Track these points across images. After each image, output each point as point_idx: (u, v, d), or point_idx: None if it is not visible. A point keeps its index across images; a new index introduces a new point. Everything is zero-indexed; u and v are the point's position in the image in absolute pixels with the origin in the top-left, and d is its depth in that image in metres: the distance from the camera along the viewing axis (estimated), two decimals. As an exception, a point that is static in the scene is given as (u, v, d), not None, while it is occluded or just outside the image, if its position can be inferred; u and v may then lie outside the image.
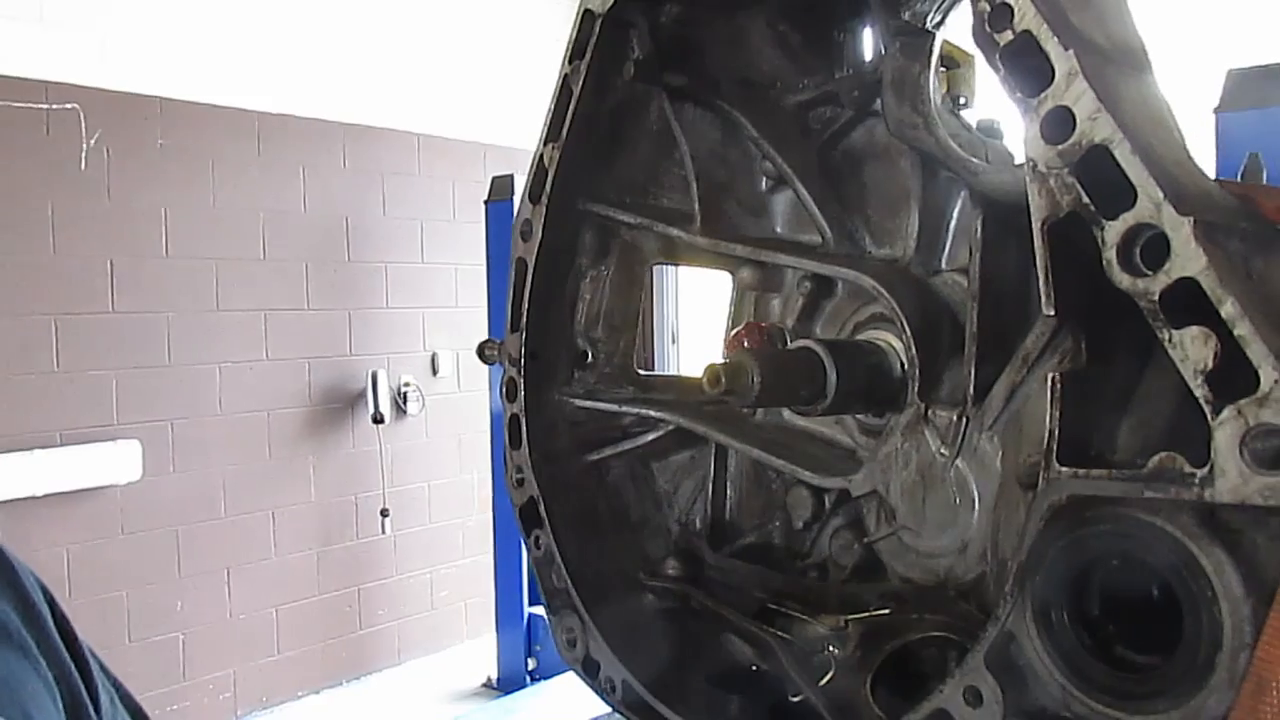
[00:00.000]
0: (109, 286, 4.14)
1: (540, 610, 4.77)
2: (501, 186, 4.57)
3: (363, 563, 4.86)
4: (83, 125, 4.03)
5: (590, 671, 0.73)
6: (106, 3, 4.15)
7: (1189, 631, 0.45)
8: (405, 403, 4.99)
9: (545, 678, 4.67)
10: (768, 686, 0.72)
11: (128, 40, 4.20)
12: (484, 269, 4.61)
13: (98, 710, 0.91)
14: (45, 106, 3.95)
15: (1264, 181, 0.77)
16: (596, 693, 0.72)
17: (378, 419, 4.84)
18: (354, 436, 4.85)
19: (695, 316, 5.30)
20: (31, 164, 3.94)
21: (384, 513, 4.90)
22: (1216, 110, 2.54)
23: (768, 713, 0.68)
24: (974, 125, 0.75)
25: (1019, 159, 0.71)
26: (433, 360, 5.22)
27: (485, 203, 4.59)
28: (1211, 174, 0.53)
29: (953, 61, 0.75)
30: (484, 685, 4.86)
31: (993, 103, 0.77)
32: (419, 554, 5.08)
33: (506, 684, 4.77)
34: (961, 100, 0.75)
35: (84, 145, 4.03)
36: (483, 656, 4.96)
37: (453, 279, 5.20)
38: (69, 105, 4.01)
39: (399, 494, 4.97)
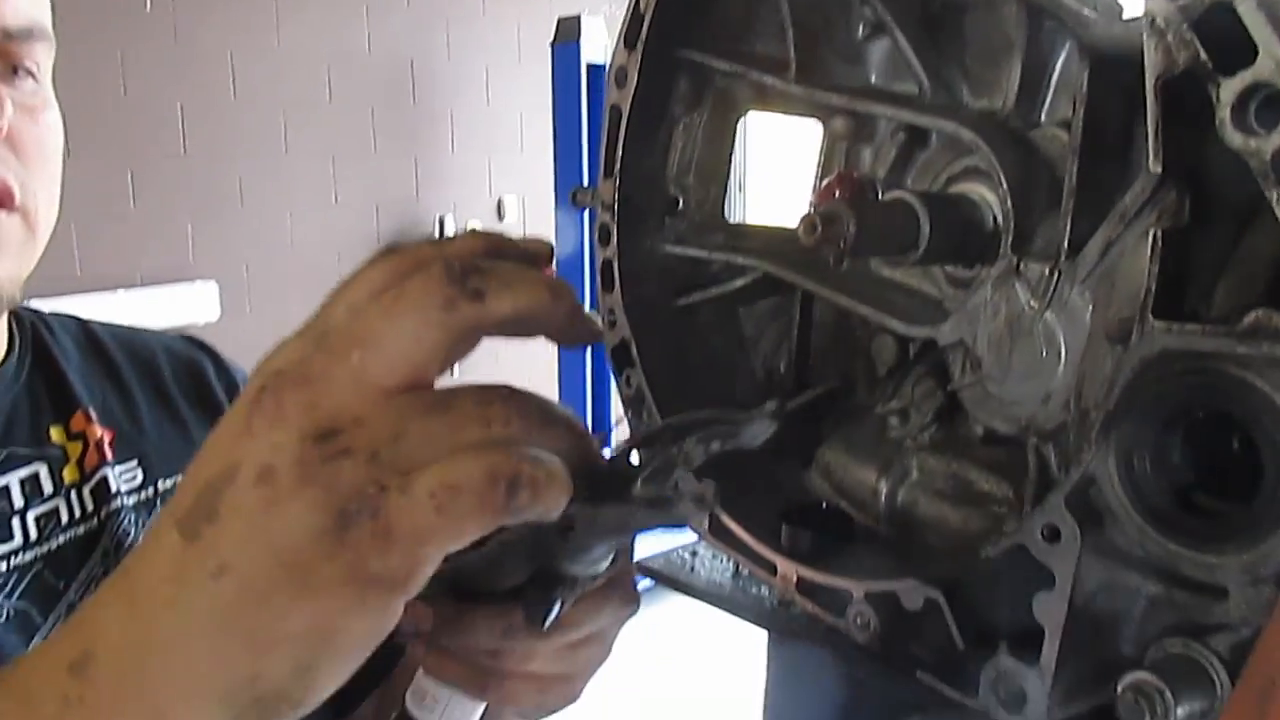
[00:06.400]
0: (179, 130, 4.19)
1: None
2: (567, 28, 4.48)
3: (432, 404, 5.03)
4: (147, -36, 3.99)
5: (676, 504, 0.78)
6: None
7: (1268, 482, 0.47)
8: (472, 249, 5.03)
9: (607, 517, 4.86)
10: (837, 520, 0.76)
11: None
12: (549, 114, 4.57)
13: None
14: (110, -54, 3.92)
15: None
16: (684, 522, 0.77)
17: (445, 264, 4.90)
18: (422, 281, 4.92)
19: (762, 166, 5.23)
20: (98, 6, 3.93)
21: (451, 357, 5.01)
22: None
23: (833, 542, 0.72)
24: (1080, -29, 0.73)
25: (1127, 10, 0.70)
26: (498, 206, 5.25)
27: (550, 45, 4.51)
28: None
29: (1063, -97, 0.72)
30: (547, 522, 5.06)
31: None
32: (485, 398, 5.22)
33: (569, 522, 4.96)
34: (1070, -55, 0.73)
35: (149, -15, 4.01)
36: (547, 497, 5.15)
37: (518, 124, 5.17)
38: (133, -56, 3.97)
39: (466, 339, 5.07)
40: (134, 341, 1.06)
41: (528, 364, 5.41)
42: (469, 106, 4.91)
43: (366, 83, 4.60)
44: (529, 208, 5.13)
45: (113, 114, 3.91)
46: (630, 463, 0.53)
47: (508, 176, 5.06)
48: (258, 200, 4.34)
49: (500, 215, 5.07)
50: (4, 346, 0.94)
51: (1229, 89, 0.47)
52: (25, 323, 0.98)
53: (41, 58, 0.84)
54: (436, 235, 4.74)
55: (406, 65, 4.69)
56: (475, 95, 4.93)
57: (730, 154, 0.86)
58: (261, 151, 4.35)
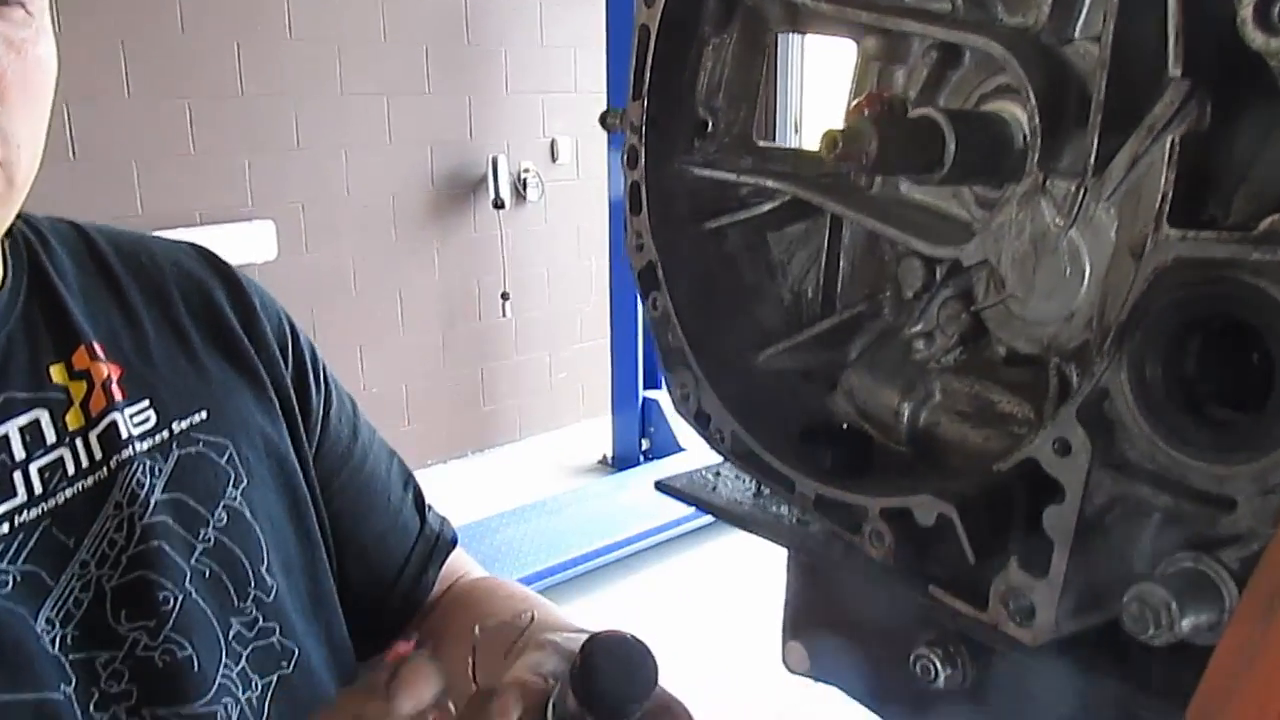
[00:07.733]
0: (237, 69, 4.22)
1: (654, 394, 4.96)
2: (621, -35, 4.40)
3: (486, 343, 5.09)
4: (203, -99, 4.00)
5: (702, 423, 0.78)
6: None
7: (1278, 390, 0.47)
8: (525, 189, 5.05)
9: (657, 457, 4.90)
10: (857, 440, 0.76)
11: None
12: (603, 52, 4.54)
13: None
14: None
15: None
16: (708, 442, 0.77)
17: (498, 204, 4.93)
18: (475, 221, 4.96)
19: (819, 104, 5.15)
20: (156, -56, 3.93)
21: (505, 296, 5.06)
22: None
23: (858, 461, 0.73)
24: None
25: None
26: (552, 147, 5.23)
27: (605, -19, 4.44)
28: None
29: None
30: (599, 462, 5.13)
31: None
32: (538, 337, 5.28)
33: (621, 462, 5.02)
34: None
35: (205, -77, 4.02)
36: (599, 436, 5.20)
37: (571, 62, 5.14)
38: (191, -120, 3.98)
39: (519, 279, 5.11)
40: (138, 256, 0.97)
41: (578, 307, 5.42)
42: (522, 45, 4.89)
43: (420, 20, 4.59)
44: (582, 150, 5.12)
45: (171, 54, 3.96)
46: None
47: (561, 117, 5.05)
48: (313, 140, 4.38)
49: (554, 156, 5.06)
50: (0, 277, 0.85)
51: (1251, -12, 0.46)
52: (20, 243, 0.87)
53: None
54: (490, 176, 4.75)
55: (460, 2, 4.67)
56: (529, 33, 4.91)
57: (760, 75, 0.85)
58: (317, 91, 4.38)
